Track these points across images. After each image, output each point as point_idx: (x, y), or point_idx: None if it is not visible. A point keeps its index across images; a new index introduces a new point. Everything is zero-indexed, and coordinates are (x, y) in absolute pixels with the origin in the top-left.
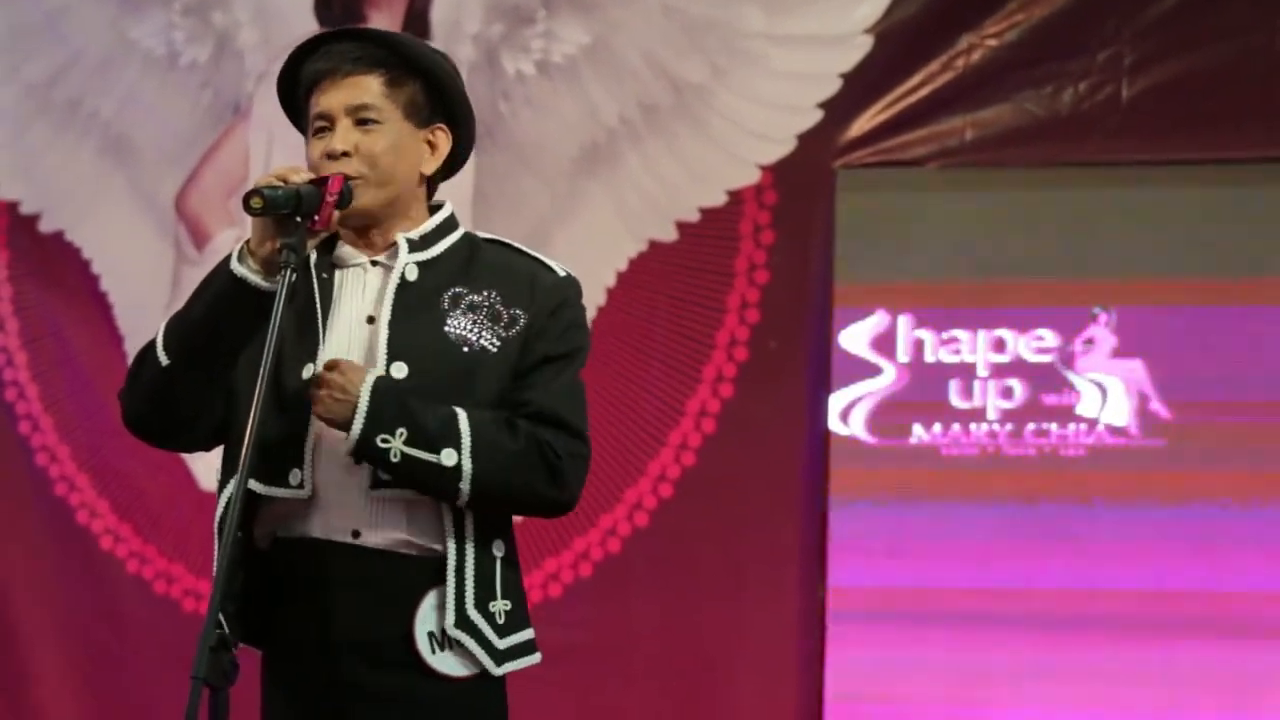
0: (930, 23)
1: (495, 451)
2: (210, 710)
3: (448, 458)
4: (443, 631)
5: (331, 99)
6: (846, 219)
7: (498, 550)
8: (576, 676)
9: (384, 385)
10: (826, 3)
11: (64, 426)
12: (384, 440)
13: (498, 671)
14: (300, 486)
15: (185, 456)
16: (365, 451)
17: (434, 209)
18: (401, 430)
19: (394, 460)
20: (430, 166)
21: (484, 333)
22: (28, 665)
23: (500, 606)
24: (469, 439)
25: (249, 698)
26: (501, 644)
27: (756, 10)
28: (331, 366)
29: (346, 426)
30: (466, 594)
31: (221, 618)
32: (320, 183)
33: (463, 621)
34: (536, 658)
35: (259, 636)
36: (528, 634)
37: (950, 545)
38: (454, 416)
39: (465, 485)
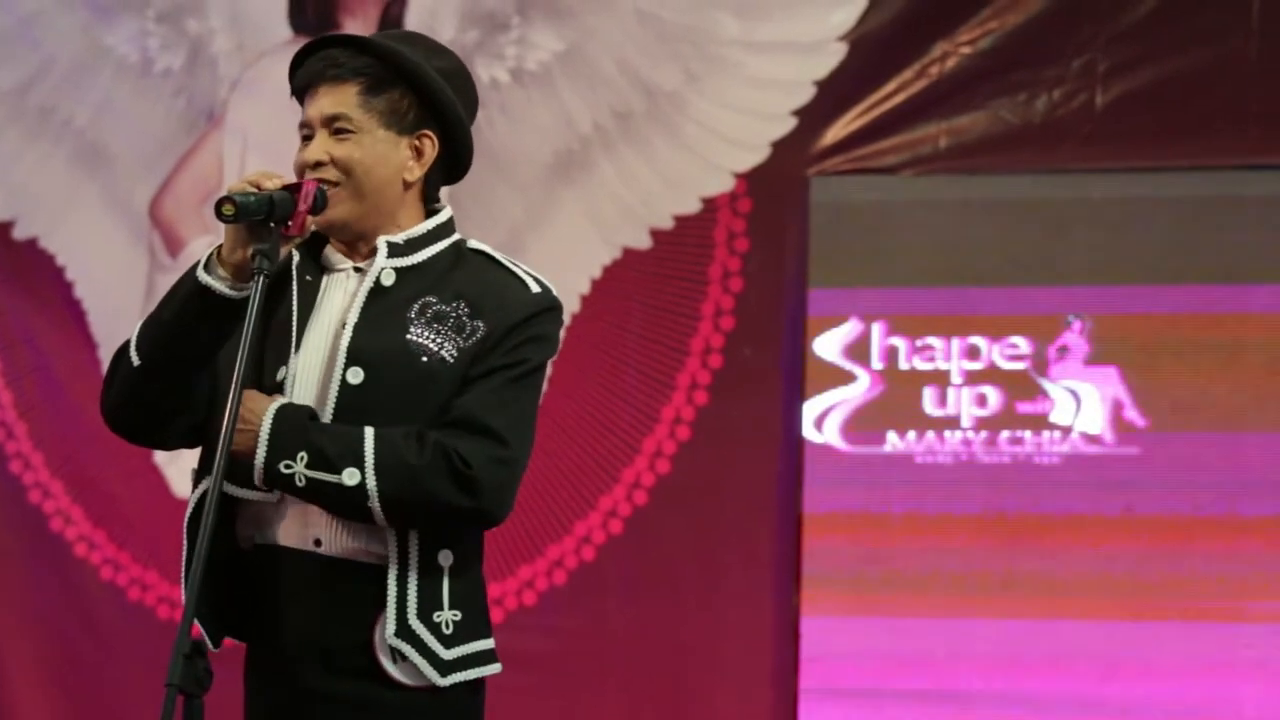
0: (904, 30)
1: (398, 466)
2: (185, 717)
3: (350, 477)
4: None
5: (312, 108)
6: (820, 226)
7: (444, 560)
8: (551, 683)
9: (286, 412)
10: (801, 10)
11: (38, 434)
12: (286, 466)
13: (443, 682)
14: (270, 490)
15: (159, 463)
16: (271, 478)
17: (433, 212)
18: (302, 454)
19: (299, 485)
20: (414, 174)
21: (445, 344)
22: (0, 671)
23: (447, 616)
24: (371, 457)
25: (230, 700)
26: (448, 654)
27: (731, 17)
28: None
29: (251, 455)
30: (409, 604)
31: (198, 623)
32: (294, 188)
33: (403, 631)
34: (494, 668)
35: (240, 633)
36: (483, 644)
37: (924, 553)
38: (359, 437)
39: (374, 504)
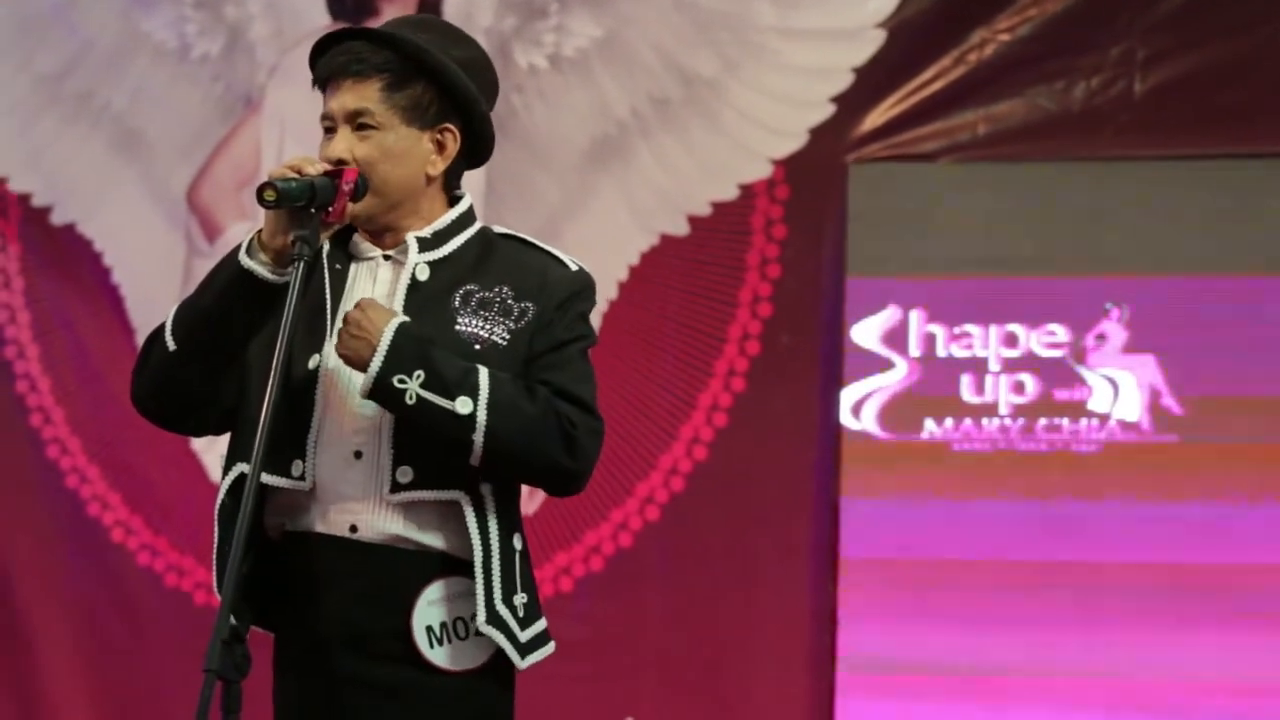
0: (943, 17)
1: (512, 409)
2: (223, 703)
3: (462, 406)
4: (442, 626)
5: (333, 102)
6: (858, 213)
7: (517, 543)
8: (587, 670)
9: (408, 328)
10: None
11: (75, 419)
12: (400, 381)
13: (523, 664)
14: (301, 478)
15: (196, 449)
16: (380, 391)
17: (456, 200)
18: (419, 373)
19: (409, 402)
20: (437, 167)
21: (495, 328)
22: (38, 657)
23: (520, 600)
24: (486, 392)
25: (262, 686)
26: (524, 636)
27: (768, 4)
28: (359, 305)
29: (364, 366)
30: (495, 589)
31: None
32: (335, 174)
33: (493, 617)
34: (552, 647)
35: (269, 622)
36: (543, 624)
37: (961, 540)
38: (474, 370)
39: (478, 437)
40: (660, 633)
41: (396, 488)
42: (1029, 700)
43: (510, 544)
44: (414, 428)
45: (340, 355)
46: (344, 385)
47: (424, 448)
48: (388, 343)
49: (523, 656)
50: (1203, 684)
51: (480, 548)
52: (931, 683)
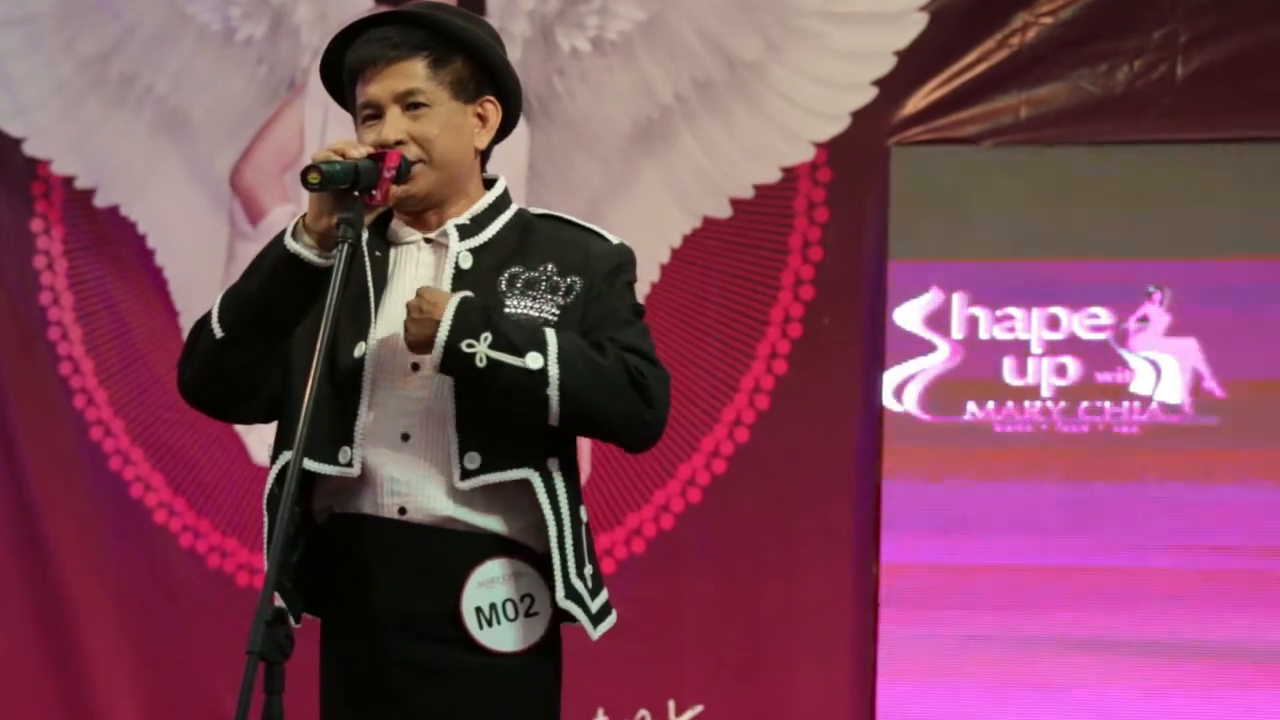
0: (985, 0)
1: (583, 361)
2: (266, 684)
3: (533, 361)
4: (491, 607)
5: (378, 87)
6: (901, 196)
7: (584, 514)
8: (629, 652)
9: (469, 299)
10: None
11: (118, 400)
12: (469, 345)
13: (595, 634)
14: (349, 465)
15: (239, 431)
16: (451, 360)
17: (488, 183)
18: (486, 335)
19: (479, 365)
20: (483, 140)
21: (545, 305)
22: (81, 638)
23: (589, 571)
24: (555, 347)
25: (307, 668)
26: (594, 605)
27: None
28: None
29: (431, 343)
30: (569, 564)
31: (278, 596)
32: (378, 158)
33: (570, 592)
34: (615, 618)
35: (317, 605)
36: (606, 594)
37: (1003, 523)
38: (540, 328)
39: (553, 392)
40: (701, 615)
41: (466, 474)
42: (1071, 679)
43: (579, 516)
44: (488, 394)
45: (409, 344)
46: (390, 370)
47: (491, 430)
48: (452, 312)
49: (595, 625)
50: (1247, 657)
51: (554, 523)
52: (973, 664)
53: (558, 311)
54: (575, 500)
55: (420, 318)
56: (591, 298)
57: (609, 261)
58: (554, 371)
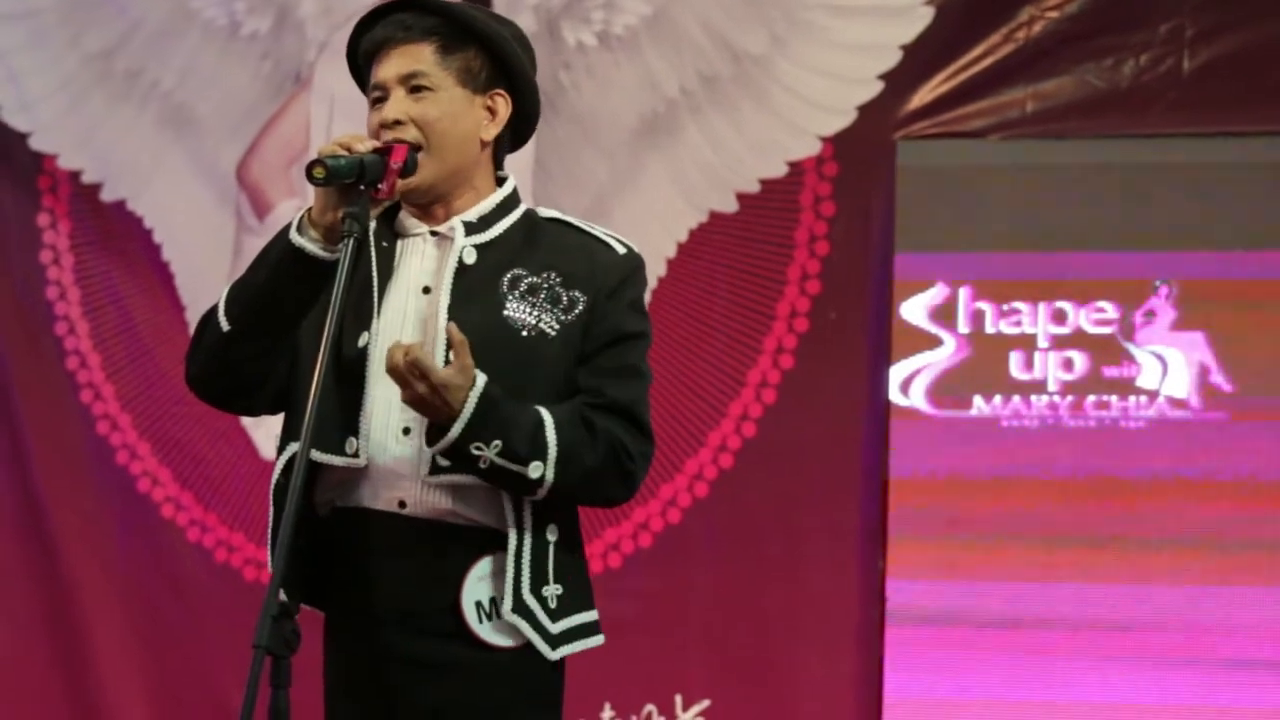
0: None
1: (578, 464)
2: (272, 678)
3: (534, 470)
4: (491, 602)
5: (386, 69)
6: (907, 190)
7: (551, 535)
8: (634, 646)
9: (490, 394)
10: None
11: (125, 395)
12: (477, 449)
13: (553, 655)
14: (356, 455)
15: (246, 425)
16: (455, 455)
17: (500, 181)
18: (497, 443)
19: (481, 467)
20: (490, 132)
21: (543, 315)
22: (89, 633)
23: (552, 591)
24: (554, 451)
25: (313, 662)
26: (555, 628)
27: None
28: (455, 348)
29: (438, 422)
30: (523, 579)
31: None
32: (384, 151)
33: (519, 606)
34: (597, 640)
35: (320, 600)
36: (587, 616)
37: (1010, 516)
38: (541, 425)
39: (543, 490)
40: (708, 609)
41: (436, 470)
42: (1077, 672)
43: (542, 535)
44: (480, 477)
45: (407, 403)
46: None
47: None
48: (469, 414)
49: (553, 647)
50: (1252, 654)
51: (514, 537)
52: (979, 658)
53: (557, 327)
54: (544, 517)
55: (433, 401)
56: (595, 319)
57: (615, 276)
58: (549, 476)
